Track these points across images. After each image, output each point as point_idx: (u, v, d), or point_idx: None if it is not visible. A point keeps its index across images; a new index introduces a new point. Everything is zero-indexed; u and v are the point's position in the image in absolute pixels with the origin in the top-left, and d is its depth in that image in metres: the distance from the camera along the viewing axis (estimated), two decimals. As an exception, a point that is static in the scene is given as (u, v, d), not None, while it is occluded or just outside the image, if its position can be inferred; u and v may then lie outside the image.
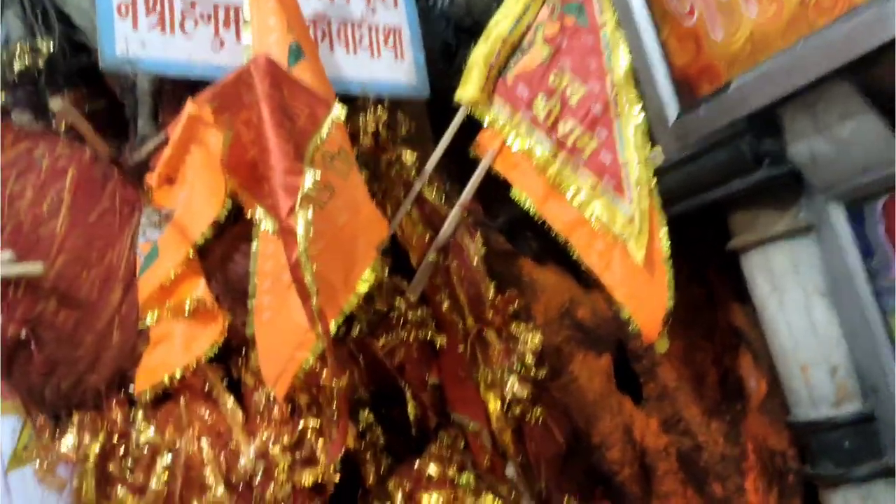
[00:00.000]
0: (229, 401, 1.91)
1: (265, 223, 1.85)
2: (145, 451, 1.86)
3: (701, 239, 2.52)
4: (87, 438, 1.89)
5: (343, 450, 1.76)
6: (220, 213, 1.86)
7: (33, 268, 1.82)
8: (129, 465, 1.86)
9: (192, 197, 1.90)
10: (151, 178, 2.07)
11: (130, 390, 1.94)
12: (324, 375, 1.86)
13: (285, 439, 1.85)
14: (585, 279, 2.64)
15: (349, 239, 1.80)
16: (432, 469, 2.08)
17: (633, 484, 2.67)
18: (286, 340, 1.81)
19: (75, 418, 1.92)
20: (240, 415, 1.90)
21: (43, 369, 1.91)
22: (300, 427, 1.87)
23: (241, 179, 1.80)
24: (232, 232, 1.92)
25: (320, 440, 1.86)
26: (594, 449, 2.64)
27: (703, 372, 2.75)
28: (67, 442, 1.88)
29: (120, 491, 1.83)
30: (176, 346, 1.87)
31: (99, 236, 1.94)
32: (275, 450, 1.83)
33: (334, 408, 1.84)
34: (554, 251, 2.49)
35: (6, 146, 1.95)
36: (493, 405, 2.22)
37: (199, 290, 1.88)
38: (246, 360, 1.95)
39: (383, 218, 1.93)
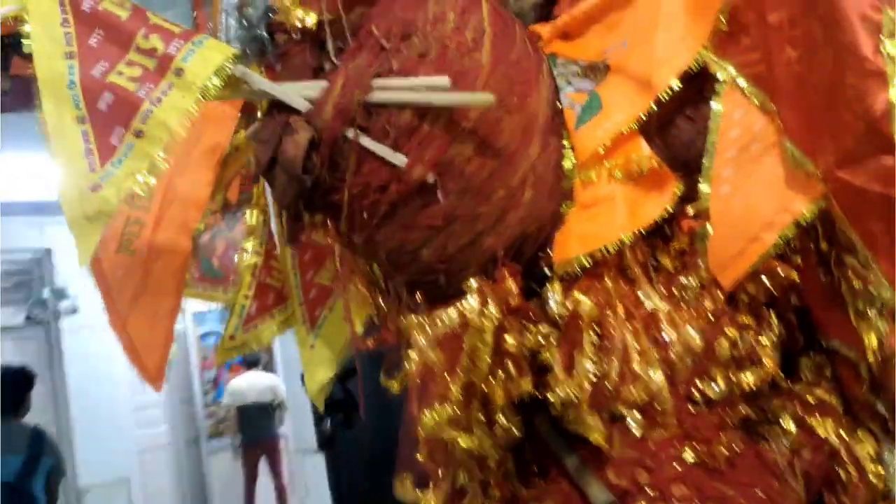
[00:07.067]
0: (647, 284, 1.67)
1: (740, 81, 1.59)
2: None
3: None
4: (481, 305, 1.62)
5: None
6: (692, 63, 1.60)
7: (483, 98, 1.55)
8: (534, 341, 1.61)
9: (652, 45, 1.65)
10: (543, 29, 1.84)
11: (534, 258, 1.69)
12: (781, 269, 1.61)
13: (731, 332, 1.61)
14: None
15: None
16: (820, 393, 1.86)
17: None
18: (746, 220, 1.57)
19: (472, 284, 1.64)
20: (662, 300, 1.65)
21: (441, 222, 1.64)
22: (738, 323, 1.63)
23: None
24: (676, 94, 1.66)
25: (760, 338, 1.62)
26: None
27: None
28: (470, 303, 1.60)
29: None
30: (618, 211, 1.61)
31: (519, 79, 1.66)
32: (722, 343, 1.59)
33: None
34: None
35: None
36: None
37: (643, 148, 1.63)
38: (667, 239, 1.71)
39: None
